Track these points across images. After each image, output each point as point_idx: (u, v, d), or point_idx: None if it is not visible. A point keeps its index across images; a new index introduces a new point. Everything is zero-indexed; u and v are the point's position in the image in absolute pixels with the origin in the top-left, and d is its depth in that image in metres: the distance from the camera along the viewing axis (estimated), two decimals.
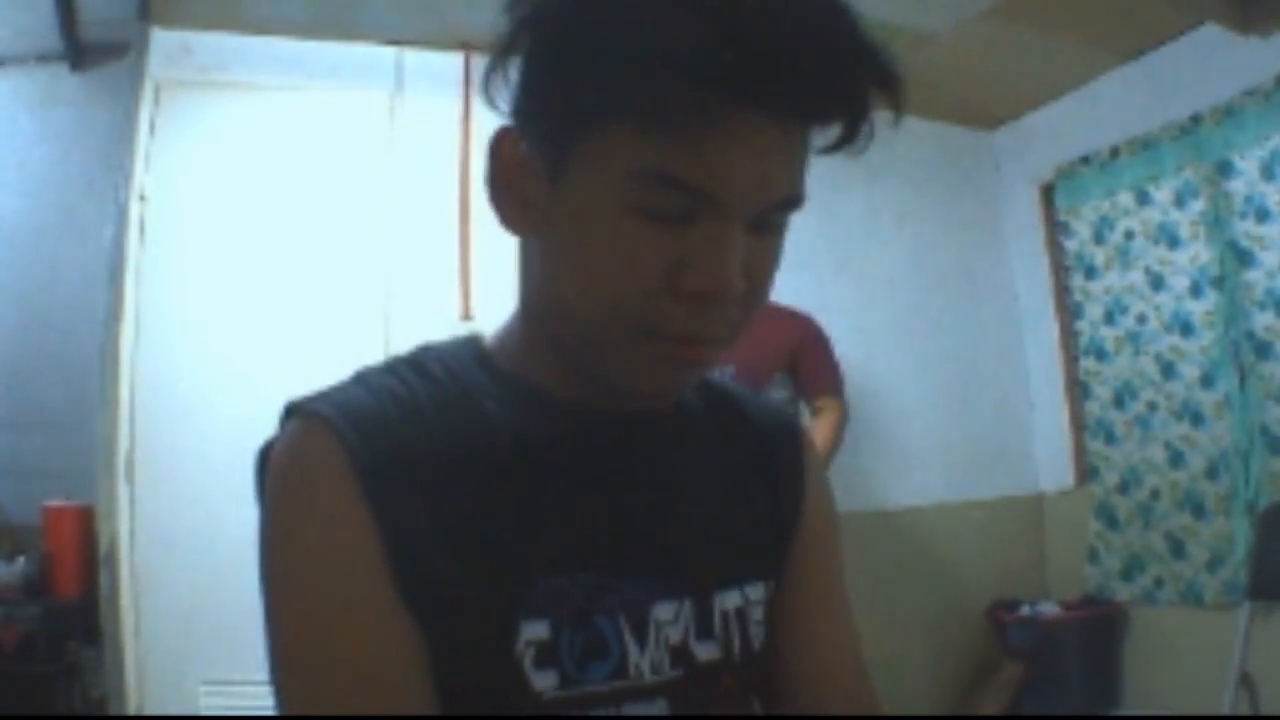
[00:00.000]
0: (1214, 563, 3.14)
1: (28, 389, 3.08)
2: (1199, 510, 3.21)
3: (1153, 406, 3.38)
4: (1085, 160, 3.59)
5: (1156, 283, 3.36)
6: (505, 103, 0.64)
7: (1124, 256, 3.47)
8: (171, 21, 3.03)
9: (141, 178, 2.96)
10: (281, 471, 0.63)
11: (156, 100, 3.03)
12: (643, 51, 0.53)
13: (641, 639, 0.63)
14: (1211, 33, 3.09)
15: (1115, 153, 3.48)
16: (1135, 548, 3.39)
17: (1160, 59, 3.34)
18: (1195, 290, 3.23)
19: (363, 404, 0.64)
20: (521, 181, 0.63)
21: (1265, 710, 2.33)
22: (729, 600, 0.69)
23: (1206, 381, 3.20)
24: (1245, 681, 2.28)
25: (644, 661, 0.63)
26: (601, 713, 0.61)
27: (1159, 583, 3.31)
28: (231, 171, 3.06)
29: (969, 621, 3.62)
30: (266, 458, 0.66)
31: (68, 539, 2.79)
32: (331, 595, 0.59)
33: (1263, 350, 3.02)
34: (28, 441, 2.99)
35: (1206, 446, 3.20)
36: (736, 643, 0.68)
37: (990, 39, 3.25)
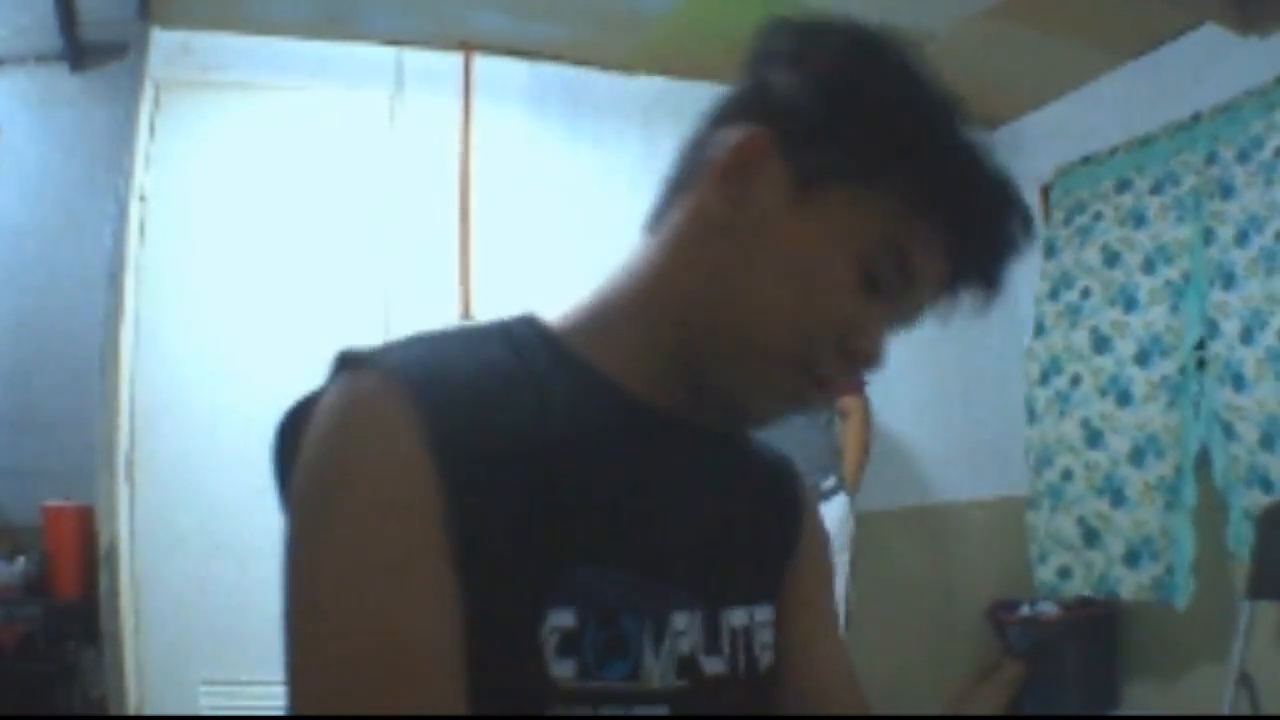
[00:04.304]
0: (1131, 556, 3.13)
1: (28, 389, 3.08)
2: (1119, 497, 3.18)
3: (1077, 380, 3.36)
4: (1085, 160, 3.59)
5: (1111, 260, 3.34)
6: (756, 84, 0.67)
7: (1083, 235, 3.47)
8: (171, 21, 3.03)
9: (141, 178, 2.96)
10: (341, 426, 0.59)
11: (156, 100, 3.03)
12: (955, 174, 0.63)
13: (657, 644, 0.63)
14: (1211, 33, 3.09)
15: (1115, 153, 3.48)
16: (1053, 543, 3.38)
17: (1160, 59, 3.34)
18: (1149, 266, 3.21)
19: (436, 366, 0.62)
20: (755, 182, 0.64)
21: (1265, 710, 2.33)
22: (736, 618, 0.69)
23: (1143, 360, 3.19)
24: (1245, 681, 2.28)
25: (656, 667, 0.63)
26: (611, 711, 0.61)
27: (1064, 573, 3.28)
28: (231, 171, 3.06)
29: (969, 621, 3.62)
30: (299, 415, 0.64)
31: (68, 539, 2.79)
32: (384, 571, 0.56)
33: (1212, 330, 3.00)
34: (28, 441, 2.99)
35: (1133, 432, 3.18)
36: (742, 661, 0.69)
37: (990, 39, 3.25)
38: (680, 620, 0.64)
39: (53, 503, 2.82)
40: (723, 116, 0.68)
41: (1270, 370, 2.81)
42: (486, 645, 0.58)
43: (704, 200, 0.66)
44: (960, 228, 0.65)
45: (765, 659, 0.71)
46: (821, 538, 0.83)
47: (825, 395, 0.67)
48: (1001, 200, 0.65)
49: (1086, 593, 3.29)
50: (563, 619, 0.59)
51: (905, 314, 0.68)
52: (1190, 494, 3.06)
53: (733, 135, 0.65)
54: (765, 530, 0.76)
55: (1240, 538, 2.86)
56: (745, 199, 0.64)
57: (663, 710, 0.63)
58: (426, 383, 0.60)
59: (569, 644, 0.59)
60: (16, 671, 2.57)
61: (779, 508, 0.79)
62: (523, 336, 0.68)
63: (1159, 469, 3.12)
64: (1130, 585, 3.15)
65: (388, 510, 0.57)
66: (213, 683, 2.79)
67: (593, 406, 0.66)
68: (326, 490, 0.58)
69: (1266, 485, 2.82)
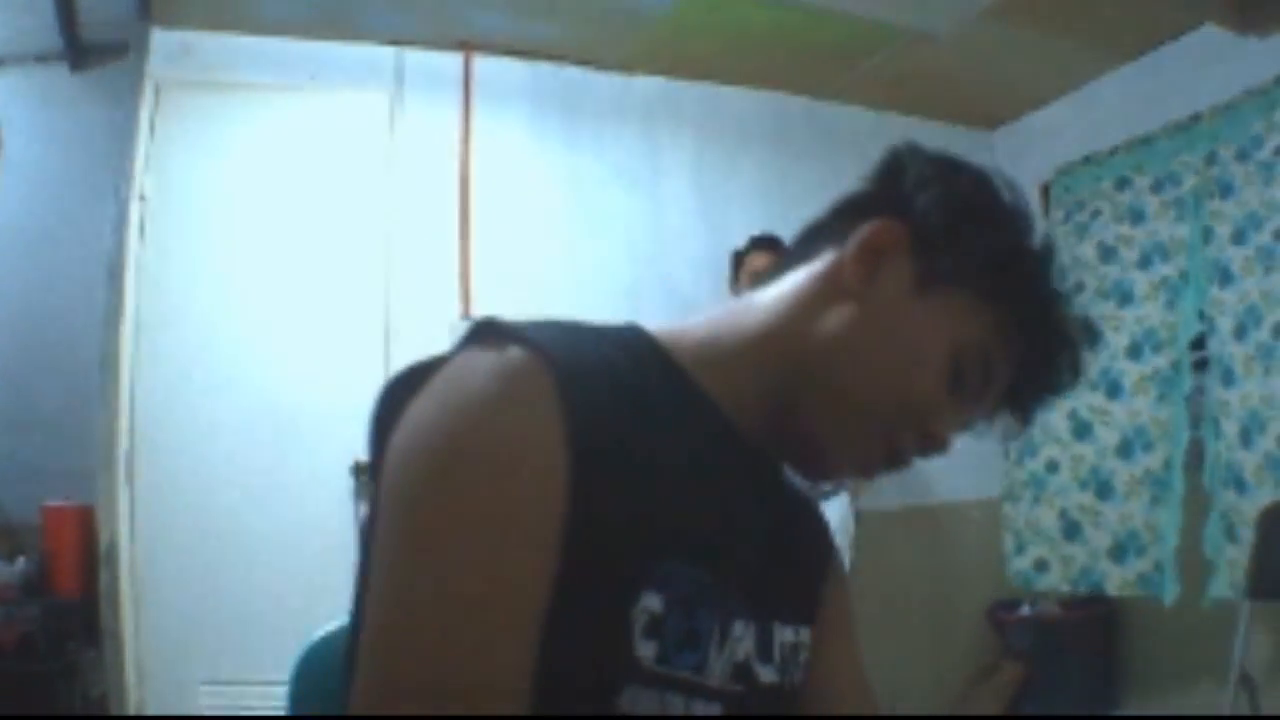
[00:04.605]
0: (1117, 550, 3.12)
1: (28, 389, 3.08)
2: (1105, 489, 3.17)
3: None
4: (1086, 160, 3.59)
5: (1107, 255, 3.33)
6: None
7: (1080, 232, 3.46)
8: (171, 21, 3.03)
9: (141, 178, 2.96)
10: (487, 393, 0.62)
11: (156, 100, 3.03)
12: (1044, 312, 0.75)
13: (722, 645, 0.67)
14: (1211, 33, 3.09)
15: (1115, 152, 3.48)
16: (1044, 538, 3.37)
17: (1160, 59, 3.34)
18: (1144, 262, 3.21)
19: (573, 353, 0.65)
20: (884, 265, 0.73)
21: (1265, 710, 2.33)
22: (786, 634, 0.74)
23: (1136, 353, 3.18)
24: (1245, 681, 2.29)
25: (718, 665, 0.67)
26: (676, 700, 0.64)
27: (1041, 565, 3.27)
28: (231, 171, 3.06)
29: (969, 621, 3.62)
30: (410, 379, 0.66)
31: (68, 539, 2.79)
32: (499, 553, 0.59)
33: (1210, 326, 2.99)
34: (28, 441, 2.99)
35: (1123, 424, 3.17)
36: (790, 674, 0.74)
37: (990, 39, 3.25)
38: (739, 628, 0.69)
39: (53, 503, 2.82)
40: (854, 208, 0.77)
41: (1259, 366, 2.81)
42: (582, 616, 0.61)
43: (838, 269, 0.74)
44: (1031, 358, 0.75)
45: (800, 675, 0.77)
46: (847, 578, 0.90)
47: (890, 468, 0.75)
48: (1067, 351, 0.76)
49: (1064, 587, 3.29)
50: (652, 603, 0.63)
51: (968, 415, 0.76)
52: (1179, 488, 3.05)
53: (875, 222, 0.74)
54: (806, 560, 0.83)
55: (1214, 538, 2.85)
56: (873, 277, 0.73)
57: (717, 709, 0.67)
58: (567, 366, 0.64)
59: (654, 627, 0.63)
60: (16, 671, 2.57)
61: (814, 543, 0.86)
62: (634, 344, 0.74)
63: (1147, 462, 3.12)
64: (1116, 580, 3.14)
65: (518, 487, 0.60)
66: (213, 683, 2.79)
67: (692, 419, 0.72)
68: (460, 456, 0.60)
69: (1240, 484, 2.81)
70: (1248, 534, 2.75)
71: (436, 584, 0.58)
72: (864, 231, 0.74)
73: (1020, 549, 3.41)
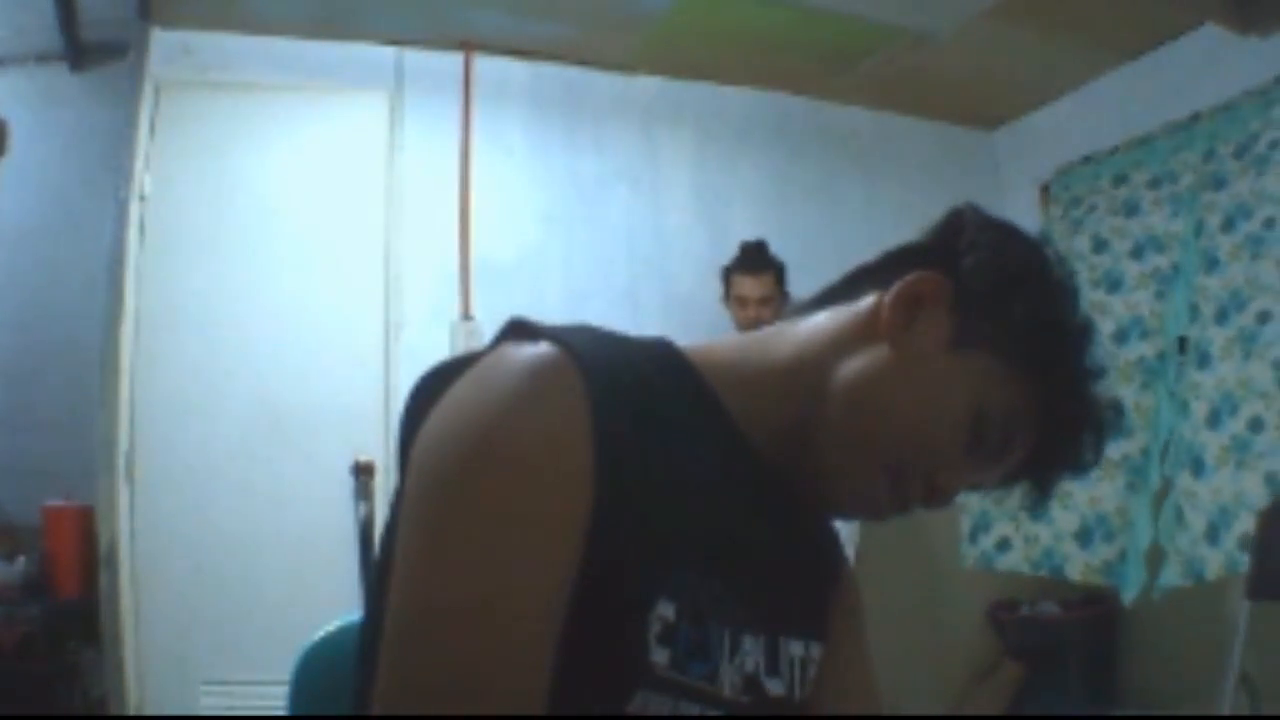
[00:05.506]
0: (1084, 534, 3.10)
1: (28, 389, 3.08)
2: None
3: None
4: (1086, 160, 3.60)
5: (1099, 247, 3.34)
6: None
7: (1076, 226, 3.46)
8: (171, 21, 3.03)
9: (141, 178, 2.96)
10: (518, 388, 0.63)
11: (156, 100, 3.03)
12: (1076, 391, 0.75)
13: (732, 656, 0.68)
14: (1211, 33, 3.09)
15: (1115, 152, 3.48)
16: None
17: (1160, 59, 3.34)
18: (1137, 252, 3.21)
19: (603, 357, 0.67)
20: (922, 315, 0.74)
21: (1265, 710, 2.33)
22: (794, 649, 0.75)
23: (1122, 339, 3.18)
24: (1245, 681, 2.28)
25: (728, 676, 0.68)
26: (691, 706, 0.65)
27: (1003, 545, 3.27)
28: (231, 171, 3.06)
29: (969, 621, 3.62)
30: (443, 374, 0.68)
31: (68, 539, 2.79)
32: (513, 567, 0.59)
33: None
34: (28, 441, 2.99)
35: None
36: (798, 687, 0.75)
37: (990, 39, 3.25)
38: (748, 641, 0.70)
39: (53, 503, 2.83)
40: (903, 258, 0.78)
41: (1239, 350, 2.80)
42: (600, 618, 0.62)
43: (876, 312, 0.75)
44: (1056, 435, 0.75)
45: (809, 691, 0.77)
46: (859, 595, 0.90)
47: (892, 513, 0.75)
48: (1094, 430, 0.76)
49: (1025, 570, 3.26)
50: (667, 610, 0.64)
51: (980, 476, 0.76)
52: (1155, 479, 3.03)
53: (920, 273, 0.75)
54: (816, 576, 0.84)
55: (1168, 525, 2.84)
56: (910, 326, 0.74)
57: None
58: (597, 367, 0.65)
59: (668, 634, 0.64)
60: (16, 671, 2.57)
61: (826, 560, 0.87)
62: (661, 355, 0.75)
63: (1126, 447, 3.09)
64: (1078, 565, 3.12)
65: (544, 485, 0.61)
66: (213, 683, 2.79)
67: (711, 433, 0.73)
68: (489, 451, 0.61)
69: (1198, 465, 2.80)
70: (1198, 519, 2.75)
71: (459, 581, 0.58)
72: (907, 280, 0.75)
73: (986, 527, 3.39)
